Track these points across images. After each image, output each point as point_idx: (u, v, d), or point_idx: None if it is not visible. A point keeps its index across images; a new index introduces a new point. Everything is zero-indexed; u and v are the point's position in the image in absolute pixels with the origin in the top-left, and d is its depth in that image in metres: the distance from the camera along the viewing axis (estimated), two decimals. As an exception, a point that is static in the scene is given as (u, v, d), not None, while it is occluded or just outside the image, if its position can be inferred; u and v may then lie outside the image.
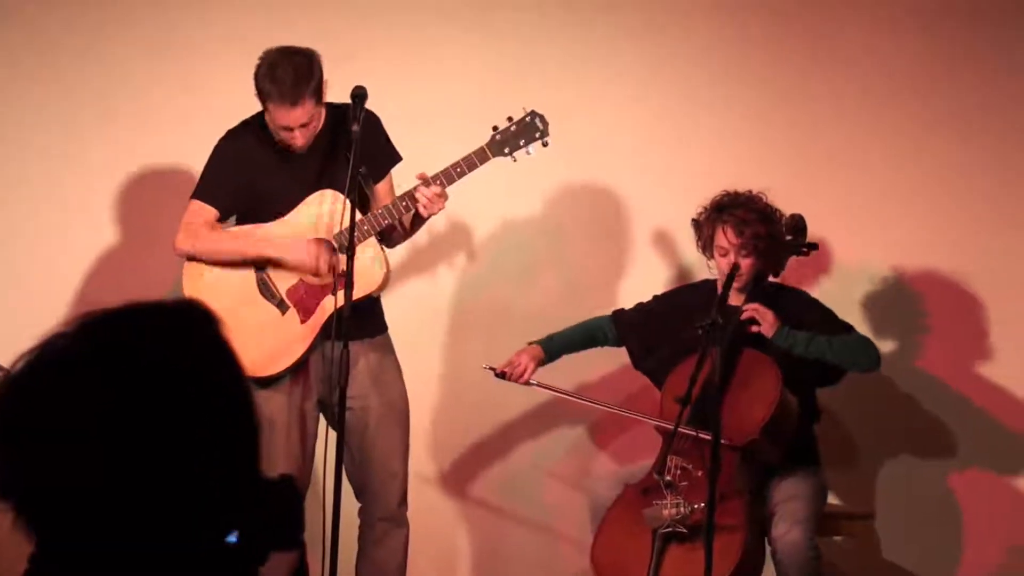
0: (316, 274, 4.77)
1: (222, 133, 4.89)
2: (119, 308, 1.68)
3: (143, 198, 5.68)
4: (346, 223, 4.67)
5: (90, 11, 5.69)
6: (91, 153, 5.68)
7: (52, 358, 1.62)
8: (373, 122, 4.81)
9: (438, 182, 4.70)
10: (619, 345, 5.28)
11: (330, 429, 4.83)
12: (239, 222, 4.89)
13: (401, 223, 4.85)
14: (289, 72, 4.62)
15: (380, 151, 4.84)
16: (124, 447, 1.59)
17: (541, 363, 5.12)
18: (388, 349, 4.95)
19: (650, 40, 5.80)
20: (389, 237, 4.94)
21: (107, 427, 1.58)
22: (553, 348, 5.17)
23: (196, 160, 5.00)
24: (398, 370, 4.95)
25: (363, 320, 4.74)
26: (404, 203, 4.73)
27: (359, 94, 4.63)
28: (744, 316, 4.92)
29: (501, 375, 5.09)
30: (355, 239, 4.62)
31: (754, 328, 4.93)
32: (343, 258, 4.63)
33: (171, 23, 5.68)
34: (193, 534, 1.64)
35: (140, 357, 1.63)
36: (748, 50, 5.81)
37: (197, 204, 4.82)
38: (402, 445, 4.94)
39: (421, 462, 5.46)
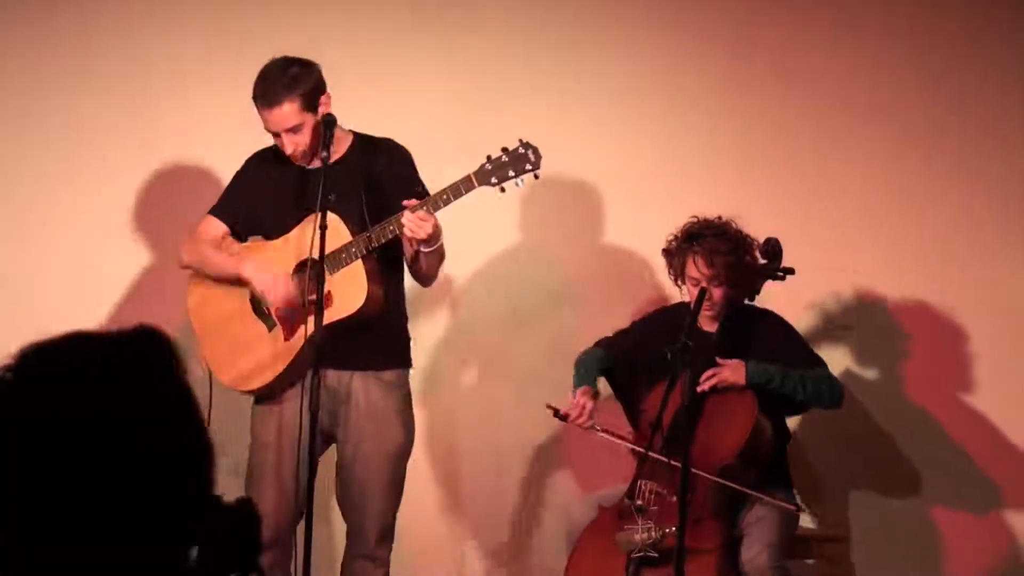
0: (271, 305, 4.82)
1: (213, 146, 5.18)
2: (58, 340, 1.69)
3: (163, 206, 5.81)
4: (338, 244, 4.74)
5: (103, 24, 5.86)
6: (105, 161, 5.82)
7: None
8: (404, 157, 4.89)
9: (423, 207, 4.69)
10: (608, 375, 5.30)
11: (337, 459, 4.89)
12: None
13: (407, 255, 4.83)
14: (274, 76, 4.73)
15: (405, 186, 4.83)
16: (64, 480, 1.61)
17: (594, 404, 5.08)
18: (395, 387, 4.90)
19: (629, 68, 5.87)
20: (413, 272, 4.92)
21: (47, 461, 1.59)
22: (593, 383, 5.14)
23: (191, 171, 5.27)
24: (402, 409, 4.92)
25: (365, 350, 4.73)
26: (391, 227, 4.73)
27: (329, 121, 4.73)
28: (707, 386, 4.91)
29: (564, 417, 5.04)
30: (335, 262, 4.71)
31: (722, 385, 4.94)
32: (332, 279, 4.72)
33: (148, 51, 5.84)
34: (144, 560, 1.64)
35: (76, 389, 1.64)
36: (725, 78, 5.87)
37: (209, 219, 4.97)
38: (388, 486, 4.90)
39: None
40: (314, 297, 4.69)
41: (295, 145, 4.78)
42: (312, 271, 4.71)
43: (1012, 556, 5.71)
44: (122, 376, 1.67)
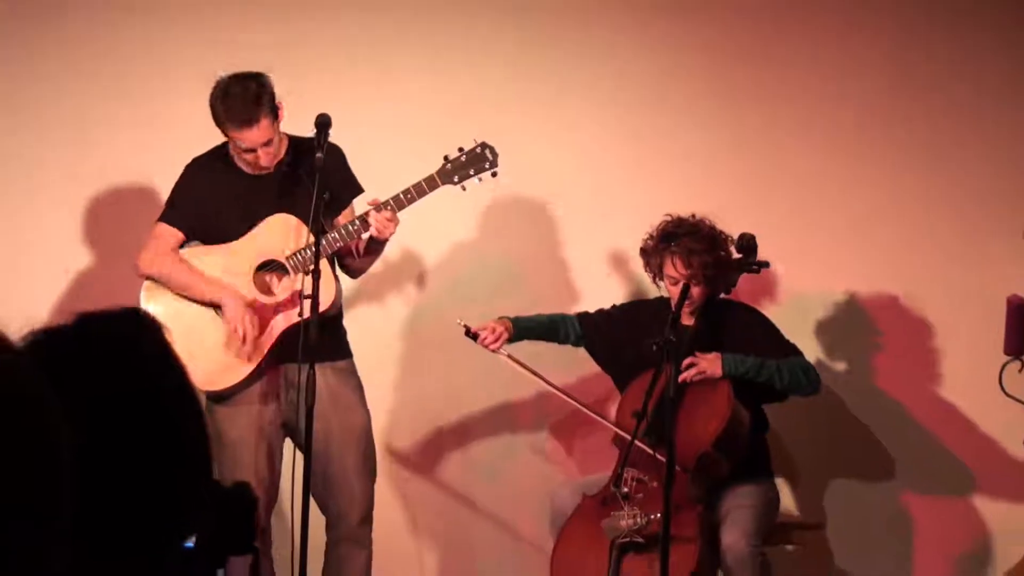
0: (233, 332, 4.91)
1: (187, 155, 5.09)
2: (67, 322, 1.68)
3: (114, 212, 5.84)
4: (298, 245, 4.88)
5: (65, 33, 5.89)
6: (64, 169, 5.85)
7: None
8: (337, 154, 4.97)
9: (388, 207, 4.85)
10: (578, 345, 5.37)
11: (296, 450, 4.93)
12: (204, 243, 5.05)
13: (356, 250, 4.98)
14: (241, 95, 4.79)
15: (342, 182, 4.98)
16: (76, 458, 1.53)
17: (509, 338, 5.19)
18: (350, 374, 5.07)
19: (604, 67, 5.92)
20: (348, 268, 5.09)
21: (60, 441, 1.47)
22: (519, 328, 5.23)
23: (163, 179, 5.25)
24: (359, 394, 5.07)
25: (322, 344, 4.83)
26: (356, 227, 4.88)
27: (323, 122, 4.81)
28: (686, 377, 4.99)
29: (474, 336, 5.13)
30: (300, 261, 4.84)
31: (698, 377, 5.04)
32: (297, 278, 4.86)
33: (137, 51, 5.88)
34: (150, 539, 1.64)
35: (89, 370, 1.64)
36: (704, 76, 5.92)
37: (163, 227, 5.01)
38: (363, 467, 5.05)
39: (381, 480, 5.47)
40: (299, 290, 4.80)
41: (271, 156, 4.88)
42: (304, 267, 4.83)
43: (980, 539, 5.81)
44: (130, 356, 1.67)
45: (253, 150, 4.85)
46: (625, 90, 5.92)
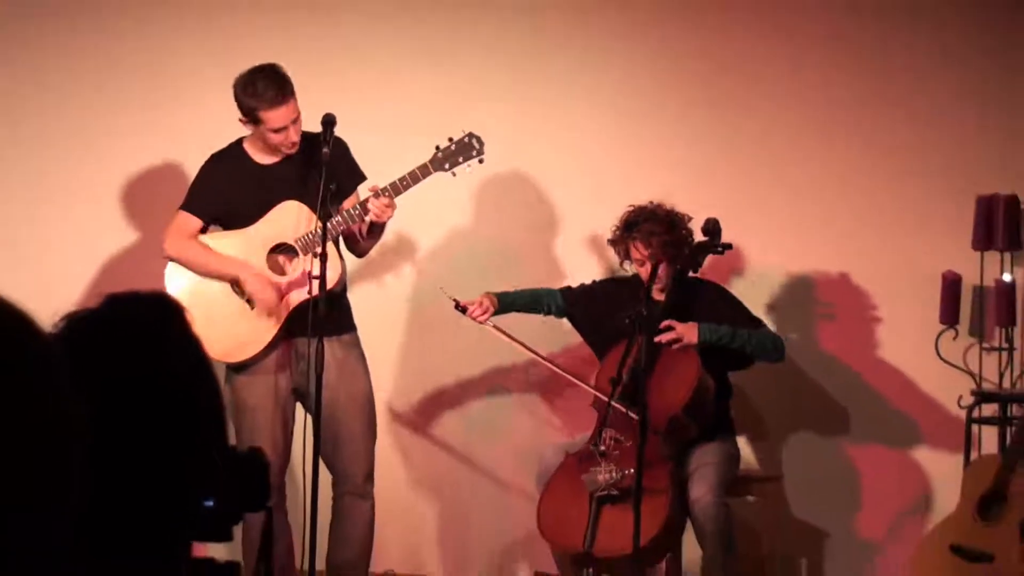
0: (254, 301, 5.24)
1: (192, 160, 5.46)
2: (96, 305, 1.71)
3: (143, 200, 6.12)
4: (307, 229, 5.23)
5: (96, 34, 6.16)
6: (96, 159, 6.13)
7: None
8: (342, 146, 5.32)
9: (386, 194, 5.20)
10: (560, 316, 5.66)
11: (307, 414, 5.22)
12: (223, 228, 5.41)
13: (360, 233, 5.32)
14: (268, 80, 5.11)
15: (347, 171, 5.34)
16: (109, 436, 1.61)
17: (495, 311, 5.51)
18: (354, 346, 5.37)
19: (604, 73, 6.18)
20: (354, 249, 5.44)
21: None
22: (504, 302, 5.53)
23: (166, 184, 5.56)
24: (363, 364, 5.37)
25: (329, 318, 5.13)
26: (358, 212, 5.22)
27: (329, 120, 5.17)
28: (664, 339, 5.28)
29: (463, 309, 5.45)
30: (310, 244, 5.20)
31: (677, 346, 5.30)
32: (305, 259, 5.23)
33: (140, 60, 6.18)
34: (175, 501, 1.70)
35: (115, 352, 1.68)
36: (671, 71, 6.17)
37: (184, 215, 5.35)
38: (366, 429, 5.36)
39: (385, 439, 5.80)
40: (309, 271, 5.16)
41: (299, 132, 5.21)
42: (312, 249, 5.19)
43: (920, 489, 6.07)
44: (159, 337, 1.70)
45: (284, 128, 5.13)
46: (624, 95, 6.14)
